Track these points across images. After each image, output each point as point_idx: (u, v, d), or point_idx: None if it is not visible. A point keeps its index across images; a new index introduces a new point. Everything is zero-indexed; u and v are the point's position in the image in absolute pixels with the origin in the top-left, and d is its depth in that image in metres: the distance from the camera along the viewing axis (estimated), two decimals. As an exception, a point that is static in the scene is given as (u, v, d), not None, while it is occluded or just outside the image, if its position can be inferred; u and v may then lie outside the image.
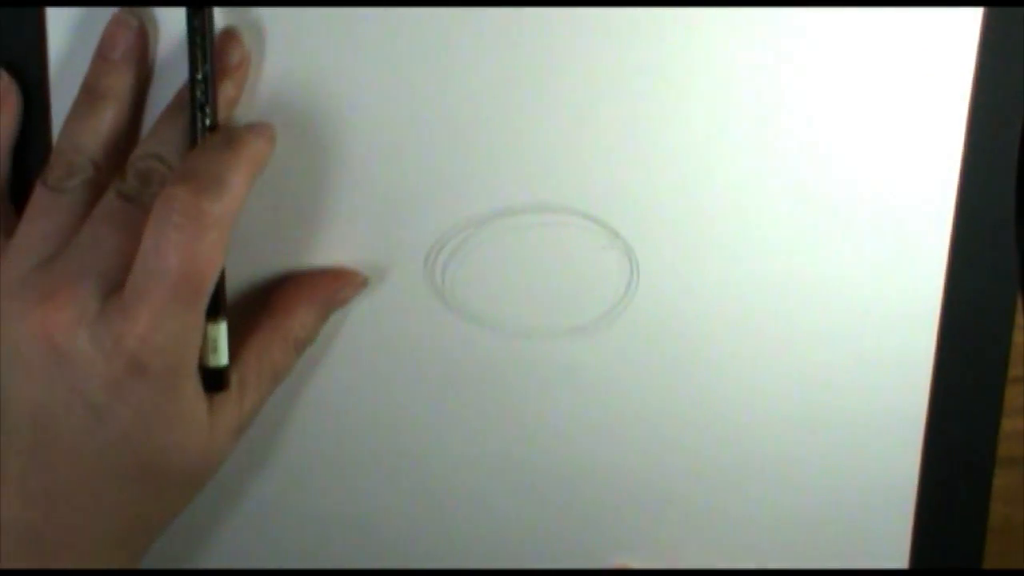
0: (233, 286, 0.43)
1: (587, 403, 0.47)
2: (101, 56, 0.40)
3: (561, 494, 0.48)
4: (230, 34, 0.41)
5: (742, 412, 0.48)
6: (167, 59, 0.42)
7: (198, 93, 0.39)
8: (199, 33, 0.39)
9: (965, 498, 0.49)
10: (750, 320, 0.47)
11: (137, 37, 0.40)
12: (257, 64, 0.42)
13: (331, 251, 0.44)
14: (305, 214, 0.44)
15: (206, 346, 0.38)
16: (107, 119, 0.40)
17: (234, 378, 0.40)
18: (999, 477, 0.49)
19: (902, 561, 0.49)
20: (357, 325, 0.44)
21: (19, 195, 0.43)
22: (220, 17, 0.41)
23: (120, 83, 0.40)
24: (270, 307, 0.42)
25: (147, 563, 0.42)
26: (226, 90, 0.40)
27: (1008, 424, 0.49)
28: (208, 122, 0.39)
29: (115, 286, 0.36)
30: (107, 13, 0.41)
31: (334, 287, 0.43)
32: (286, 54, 0.42)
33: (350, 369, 0.46)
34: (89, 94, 0.40)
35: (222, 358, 0.38)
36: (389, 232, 0.44)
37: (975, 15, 0.44)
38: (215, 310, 0.38)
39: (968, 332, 0.48)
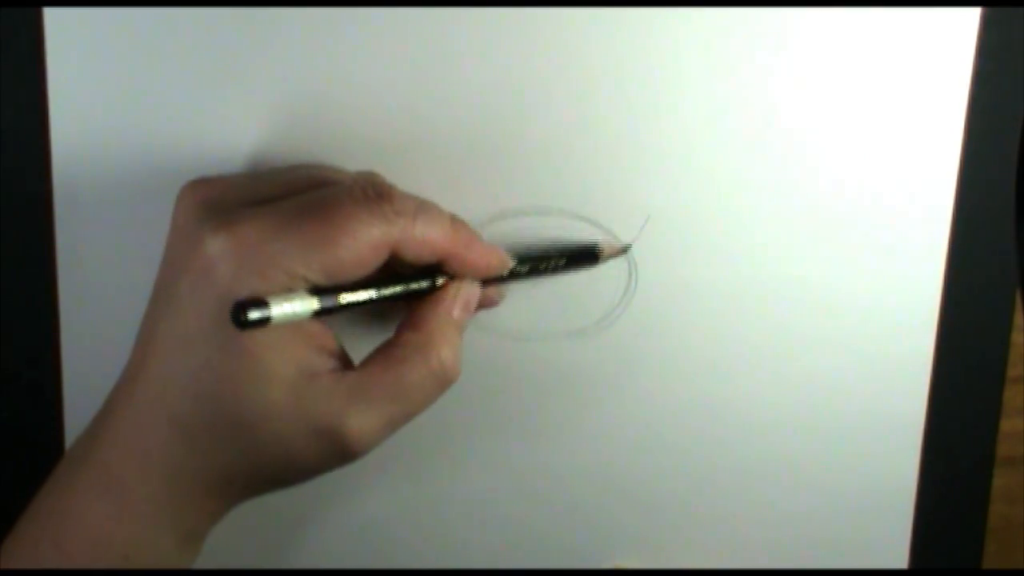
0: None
1: (586, 405, 0.47)
2: None
3: (560, 495, 0.48)
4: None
5: (741, 414, 0.48)
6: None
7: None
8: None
9: (965, 498, 0.49)
10: (749, 323, 0.47)
11: None
12: (259, 67, 0.42)
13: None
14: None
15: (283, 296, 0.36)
16: None
17: (349, 380, 0.37)
18: (998, 477, 0.49)
19: (902, 561, 0.49)
20: (359, 329, 0.44)
21: (16, 194, 0.43)
22: (227, 19, 0.42)
23: None
24: (412, 324, 0.39)
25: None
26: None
27: (1007, 424, 0.49)
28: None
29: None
30: (106, 13, 0.41)
31: (472, 306, 0.41)
32: (287, 57, 0.42)
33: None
34: None
35: (263, 308, 0.35)
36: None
37: (973, 15, 0.44)
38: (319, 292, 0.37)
39: (967, 333, 0.48)
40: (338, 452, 0.38)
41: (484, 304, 0.42)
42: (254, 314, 0.35)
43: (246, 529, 0.46)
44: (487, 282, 0.41)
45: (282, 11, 0.42)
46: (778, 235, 0.46)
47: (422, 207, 0.38)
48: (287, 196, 0.38)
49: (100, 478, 0.37)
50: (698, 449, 0.48)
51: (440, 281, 0.40)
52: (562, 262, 0.44)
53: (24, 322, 0.44)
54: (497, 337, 0.46)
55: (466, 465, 0.47)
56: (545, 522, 0.48)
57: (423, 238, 0.38)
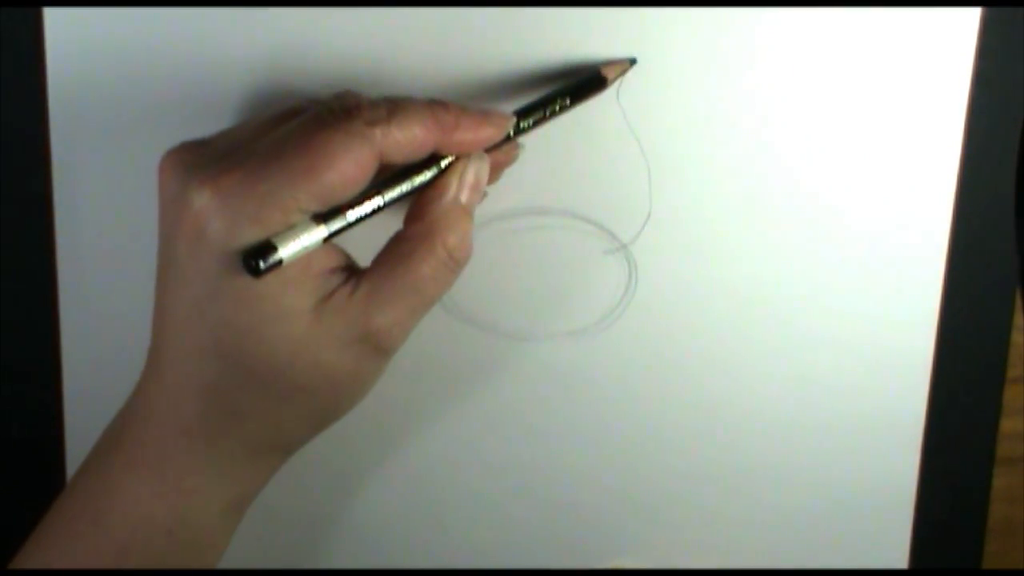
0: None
1: (585, 406, 0.47)
2: None
3: (559, 496, 0.48)
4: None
5: (741, 414, 0.48)
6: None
7: None
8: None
9: (965, 498, 0.49)
10: (749, 323, 0.47)
11: None
12: (260, 66, 0.42)
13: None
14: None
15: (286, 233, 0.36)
16: None
17: (364, 287, 0.37)
18: (999, 477, 0.49)
19: (902, 561, 0.49)
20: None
21: (16, 194, 0.43)
22: (227, 20, 0.42)
23: None
24: (416, 215, 0.38)
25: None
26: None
27: (1008, 424, 0.49)
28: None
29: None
30: (106, 13, 0.41)
31: (482, 182, 0.39)
32: (287, 53, 0.42)
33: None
34: None
35: (273, 251, 0.35)
36: (390, 234, 0.44)
37: (973, 16, 0.44)
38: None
39: (967, 333, 0.48)
40: (373, 353, 0.37)
41: (502, 165, 0.42)
42: (266, 259, 0.34)
43: (247, 529, 0.46)
44: (496, 146, 0.40)
45: (282, 11, 0.42)
46: (778, 235, 0.46)
47: (395, 109, 0.37)
48: (262, 138, 0.37)
49: (139, 456, 0.37)
50: (698, 449, 0.48)
51: (445, 163, 0.38)
52: (567, 101, 0.42)
53: (24, 322, 0.44)
54: (497, 337, 0.46)
55: (466, 465, 0.47)
56: (545, 522, 0.48)
57: (405, 139, 0.37)
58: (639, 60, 0.43)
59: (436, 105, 0.38)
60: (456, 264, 0.38)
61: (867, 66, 0.44)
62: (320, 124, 0.36)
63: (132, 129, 0.43)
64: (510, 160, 0.42)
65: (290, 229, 0.35)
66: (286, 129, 0.37)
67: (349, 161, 0.35)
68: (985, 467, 0.49)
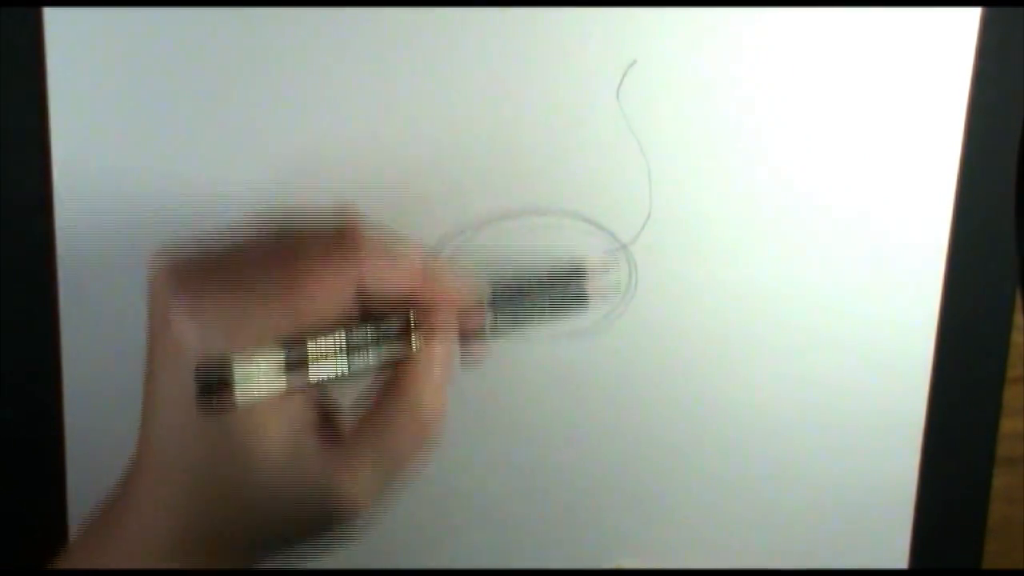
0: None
1: (585, 405, 0.47)
2: None
3: (560, 495, 0.48)
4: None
5: (741, 414, 0.48)
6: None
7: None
8: None
9: (965, 498, 0.49)
10: (749, 323, 0.47)
11: None
12: (259, 64, 0.42)
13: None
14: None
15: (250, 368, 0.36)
16: None
17: (337, 449, 0.37)
18: (998, 477, 0.49)
19: (902, 561, 0.49)
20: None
21: (16, 194, 0.43)
22: (226, 19, 0.42)
23: None
24: (395, 387, 0.39)
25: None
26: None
27: (1008, 424, 0.49)
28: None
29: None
30: (106, 13, 0.41)
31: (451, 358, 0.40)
32: (286, 55, 0.42)
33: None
34: None
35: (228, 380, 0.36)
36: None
37: (973, 15, 0.44)
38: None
39: (967, 333, 0.48)
40: (337, 518, 0.37)
41: (467, 355, 0.42)
42: (219, 397, 0.35)
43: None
44: (467, 335, 0.41)
45: (282, 10, 0.42)
46: (778, 235, 0.46)
47: (386, 245, 0.38)
48: (252, 250, 0.38)
49: (117, 555, 0.38)
50: (697, 449, 0.48)
51: (416, 341, 0.39)
52: (547, 314, 0.43)
53: (24, 322, 0.44)
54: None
55: (466, 465, 0.47)
56: (545, 522, 0.48)
57: (385, 274, 0.37)
58: (639, 60, 0.43)
59: (428, 255, 0.39)
60: (430, 436, 0.38)
61: (867, 66, 0.44)
62: (303, 250, 0.37)
63: (132, 129, 0.43)
64: (475, 357, 0.42)
65: (250, 375, 0.36)
66: (272, 250, 0.37)
67: (326, 291, 0.36)
68: (985, 467, 0.49)
